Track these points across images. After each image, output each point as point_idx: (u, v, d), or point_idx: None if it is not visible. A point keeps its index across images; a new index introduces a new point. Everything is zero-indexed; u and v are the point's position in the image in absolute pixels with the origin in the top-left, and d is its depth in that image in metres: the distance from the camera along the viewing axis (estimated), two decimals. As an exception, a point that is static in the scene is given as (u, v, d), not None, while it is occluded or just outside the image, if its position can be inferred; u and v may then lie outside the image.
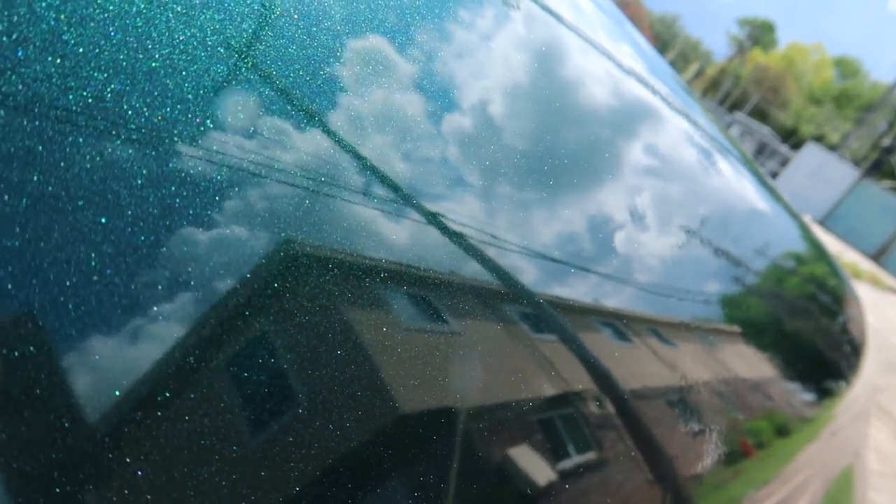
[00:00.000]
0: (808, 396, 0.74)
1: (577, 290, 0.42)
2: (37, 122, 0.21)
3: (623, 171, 0.50)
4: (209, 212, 0.25)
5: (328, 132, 0.30)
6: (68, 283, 0.21)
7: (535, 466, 0.36)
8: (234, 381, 0.24)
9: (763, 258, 0.75)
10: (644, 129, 0.57)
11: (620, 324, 0.45)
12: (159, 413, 0.22)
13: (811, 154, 25.02)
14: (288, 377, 0.26)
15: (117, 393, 0.21)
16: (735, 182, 0.76)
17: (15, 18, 0.21)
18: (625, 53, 0.64)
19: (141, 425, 0.22)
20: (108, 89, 0.23)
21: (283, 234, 0.27)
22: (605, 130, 0.50)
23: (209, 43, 0.27)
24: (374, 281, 0.31)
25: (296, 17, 0.30)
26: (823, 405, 0.77)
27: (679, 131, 0.65)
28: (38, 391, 0.20)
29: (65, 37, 0.22)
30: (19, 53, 0.21)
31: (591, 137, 0.47)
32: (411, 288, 0.32)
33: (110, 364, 0.21)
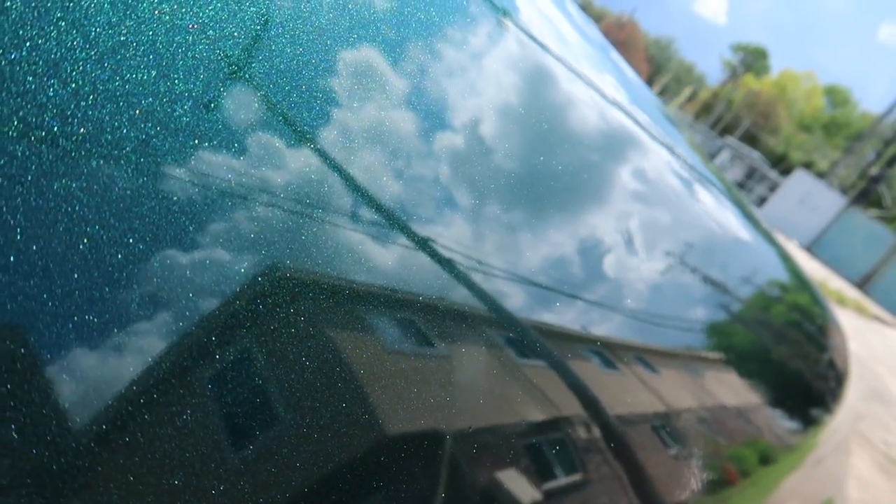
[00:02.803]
0: (792, 424, 0.75)
1: (561, 316, 0.42)
2: (20, 141, 0.21)
3: (605, 201, 0.51)
4: (198, 230, 0.25)
5: (318, 154, 0.30)
6: (58, 296, 0.21)
7: (519, 491, 0.35)
8: (223, 402, 0.24)
9: (745, 288, 0.76)
10: (626, 160, 0.58)
11: (605, 350, 0.45)
12: (142, 432, 0.22)
13: (800, 180, 25.28)
14: (277, 399, 0.26)
15: (101, 413, 0.21)
16: (717, 213, 0.77)
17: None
18: (610, 84, 0.65)
19: (124, 445, 0.22)
20: (101, 105, 0.23)
21: (272, 254, 0.27)
22: (587, 161, 0.50)
23: (199, 57, 0.27)
24: (364, 303, 0.31)
25: (279, 37, 0.30)
26: (807, 433, 0.77)
27: (662, 162, 0.66)
28: (25, 401, 0.20)
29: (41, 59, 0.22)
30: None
31: (571, 168, 0.47)
32: (400, 311, 0.32)
33: (98, 380, 0.21)
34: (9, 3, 0.22)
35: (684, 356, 0.55)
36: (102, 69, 0.23)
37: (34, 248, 0.21)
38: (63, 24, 0.23)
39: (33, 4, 0.22)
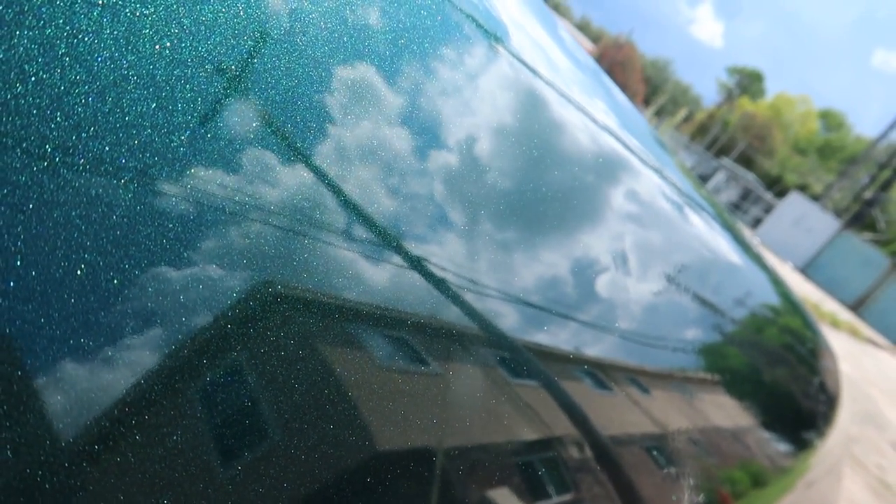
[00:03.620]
0: (783, 447, 0.75)
1: (553, 337, 0.42)
2: (15, 153, 0.21)
3: (596, 225, 0.51)
4: (192, 245, 0.25)
5: (310, 171, 0.30)
6: (54, 307, 0.21)
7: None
8: (216, 418, 0.24)
9: (736, 311, 0.77)
10: (617, 184, 0.58)
11: (596, 371, 0.45)
12: (133, 446, 0.22)
13: (795, 203, 25.42)
14: (268, 416, 0.26)
15: (95, 426, 0.21)
16: (708, 236, 0.78)
17: None
18: (600, 109, 0.66)
19: (118, 459, 0.22)
20: (96, 118, 0.23)
21: (266, 270, 0.27)
22: (577, 184, 0.51)
23: (192, 72, 0.27)
24: (356, 320, 0.31)
25: (266, 63, 0.30)
26: (798, 456, 0.78)
27: (652, 186, 0.66)
28: (21, 412, 0.20)
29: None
30: None
31: (561, 191, 0.48)
32: (393, 329, 0.32)
33: (91, 394, 0.21)
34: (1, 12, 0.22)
35: (676, 378, 0.56)
36: (96, 83, 0.23)
37: (29, 260, 0.21)
38: (55, 39, 0.23)
39: (24, 15, 0.22)
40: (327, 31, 0.33)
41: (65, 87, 0.23)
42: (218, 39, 0.28)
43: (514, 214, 0.41)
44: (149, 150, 0.24)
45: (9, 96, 0.21)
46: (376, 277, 0.32)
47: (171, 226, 0.24)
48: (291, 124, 0.30)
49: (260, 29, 0.30)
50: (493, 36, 0.49)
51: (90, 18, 0.24)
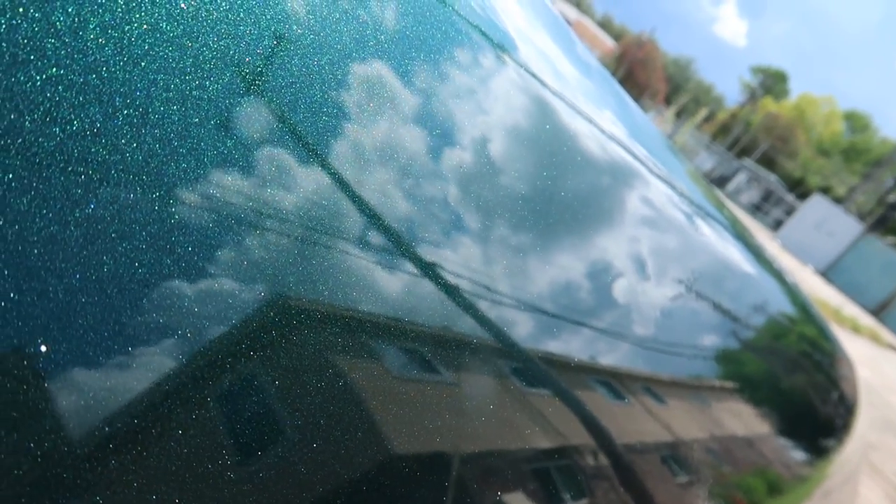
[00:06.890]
0: (800, 456, 0.74)
1: (567, 345, 0.42)
2: (25, 157, 0.21)
3: (609, 233, 0.51)
4: (200, 250, 0.25)
5: (319, 178, 0.30)
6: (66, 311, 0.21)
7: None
8: (226, 427, 0.24)
9: (752, 319, 0.76)
10: (628, 193, 0.58)
11: (612, 379, 0.45)
12: (139, 460, 0.22)
13: (817, 205, 25.12)
14: (282, 428, 0.26)
15: (103, 433, 0.21)
16: (721, 245, 0.77)
17: None
18: (610, 116, 0.64)
19: (122, 473, 0.22)
20: (106, 121, 0.23)
21: (273, 276, 0.27)
22: (587, 193, 0.50)
23: (201, 76, 0.26)
24: (371, 333, 0.31)
25: (271, 71, 0.30)
26: (815, 465, 0.77)
27: (664, 196, 0.66)
28: (29, 415, 0.20)
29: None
30: None
31: (570, 200, 0.47)
32: (406, 342, 0.32)
33: (101, 402, 0.21)
34: (9, 14, 0.21)
35: (692, 386, 0.55)
36: (106, 86, 0.23)
37: (41, 263, 0.21)
38: (64, 40, 0.23)
39: (33, 14, 0.22)
40: (328, 31, 0.33)
41: (74, 87, 0.22)
42: (224, 39, 0.27)
43: (521, 222, 0.41)
44: (155, 154, 0.24)
45: (12, 95, 0.21)
46: (386, 284, 0.32)
47: (176, 229, 0.24)
48: (296, 131, 0.30)
49: (265, 30, 0.29)
50: (499, 40, 0.48)
51: (100, 15, 0.24)
